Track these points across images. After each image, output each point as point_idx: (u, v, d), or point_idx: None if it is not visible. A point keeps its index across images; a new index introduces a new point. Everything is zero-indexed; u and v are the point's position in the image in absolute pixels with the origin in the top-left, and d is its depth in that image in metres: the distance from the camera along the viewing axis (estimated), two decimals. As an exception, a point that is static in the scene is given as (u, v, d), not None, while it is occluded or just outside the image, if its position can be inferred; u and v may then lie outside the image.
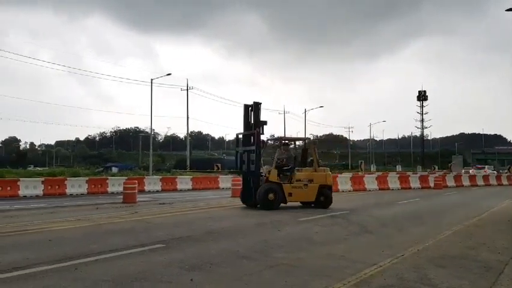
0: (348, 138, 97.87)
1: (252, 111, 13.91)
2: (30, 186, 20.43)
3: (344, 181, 22.98)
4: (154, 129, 45.65)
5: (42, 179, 22.30)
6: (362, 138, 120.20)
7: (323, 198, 13.49)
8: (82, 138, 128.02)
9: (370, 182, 24.05)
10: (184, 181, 26.09)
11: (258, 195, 12.59)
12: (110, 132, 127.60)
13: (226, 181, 27.23)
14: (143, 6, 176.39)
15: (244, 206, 13.50)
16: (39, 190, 20.58)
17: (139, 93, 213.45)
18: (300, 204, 13.69)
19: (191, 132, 47.36)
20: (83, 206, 14.58)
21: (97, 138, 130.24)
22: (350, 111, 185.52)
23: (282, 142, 14.50)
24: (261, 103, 13.82)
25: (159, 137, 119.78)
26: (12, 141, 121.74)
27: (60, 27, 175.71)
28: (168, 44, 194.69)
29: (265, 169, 13.46)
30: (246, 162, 13.45)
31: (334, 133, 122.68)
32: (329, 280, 5.01)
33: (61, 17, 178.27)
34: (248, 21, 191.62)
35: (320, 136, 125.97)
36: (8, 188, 19.86)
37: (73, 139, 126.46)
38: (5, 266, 5.44)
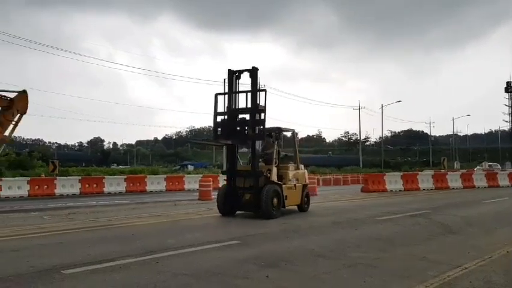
0: (429, 133, 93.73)
1: (238, 78, 10.69)
2: (114, 184, 21.74)
3: (425, 179, 21.99)
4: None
5: (125, 176, 23.64)
6: (444, 134, 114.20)
7: (306, 200, 11.86)
8: (159, 138, 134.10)
9: (453, 179, 22.71)
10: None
11: (264, 200, 9.80)
12: (186, 131, 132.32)
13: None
14: (211, 4, 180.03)
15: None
16: (122, 187, 21.84)
17: (211, 92, 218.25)
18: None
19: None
20: (162, 202, 15.22)
21: (174, 137, 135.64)
22: (431, 105, 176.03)
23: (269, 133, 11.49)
24: (258, 69, 10.48)
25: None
26: (97, 141, 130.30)
27: (133, 29, 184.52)
28: (238, 41, 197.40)
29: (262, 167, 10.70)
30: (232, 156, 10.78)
31: (413, 129, 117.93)
32: (409, 281, 4.78)
33: (134, 18, 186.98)
34: (318, 14, 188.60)
35: (399, 132, 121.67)
36: (94, 185, 21.30)
37: (152, 139, 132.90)
38: (95, 257, 5.79)
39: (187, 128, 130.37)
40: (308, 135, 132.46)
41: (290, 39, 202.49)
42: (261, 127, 10.28)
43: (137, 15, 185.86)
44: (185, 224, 9.49)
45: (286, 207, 10.70)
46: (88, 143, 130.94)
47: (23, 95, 14.12)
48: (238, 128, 10.44)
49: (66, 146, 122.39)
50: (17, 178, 21.31)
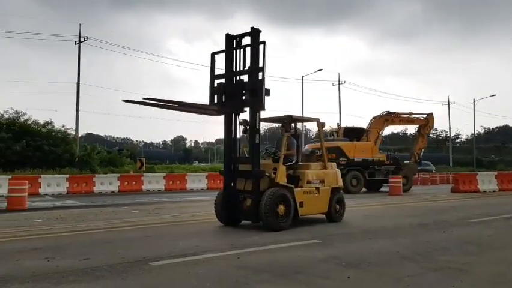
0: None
1: (240, 49, 8.59)
2: (196, 180, 22.56)
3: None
4: (305, 126, 46.59)
5: (206, 174, 24.39)
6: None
7: (339, 207, 9.48)
8: (238, 136, 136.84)
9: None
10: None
11: (264, 207, 7.81)
12: (263, 129, 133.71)
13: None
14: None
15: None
16: (203, 184, 22.59)
17: (287, 89, 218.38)
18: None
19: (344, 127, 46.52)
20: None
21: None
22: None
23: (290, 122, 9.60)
24: (260, 31, 8.33)
25: (311, 133, 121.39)
26: (180, 140, 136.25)
27: (210, 27, 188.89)
28: (314, 35, 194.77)
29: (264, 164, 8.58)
30: (230, 148, 8.76)
31: (510, 125, 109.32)
32: (503, 288, 4.43)
33: (211, 16, 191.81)
34: (401, 3, 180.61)
35: (493, 128, 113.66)
36: (178, 182, 22.26)
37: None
38: (179, 251, 6.03)
39: (265, 126, 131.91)
40: (392, 133, 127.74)
41: (370, 31, 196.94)
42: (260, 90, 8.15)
43: (214, 13, 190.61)
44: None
45: (303, 216, 8.79)
46: (172, 141, 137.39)
47: (432, 114, 22.42)
48: (235, 94, 8.52)
49: (151, 144, 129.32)
50: (108, 175, 22.84)
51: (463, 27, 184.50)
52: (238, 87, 8.45)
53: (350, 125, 22.57)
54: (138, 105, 8.16)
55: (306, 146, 22.17)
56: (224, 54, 8.70)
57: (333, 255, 5.87)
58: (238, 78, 8.56)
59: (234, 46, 8.64)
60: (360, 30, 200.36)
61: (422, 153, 22.93)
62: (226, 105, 8.55)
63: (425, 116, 22.56)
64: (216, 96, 8.64)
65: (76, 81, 32.50)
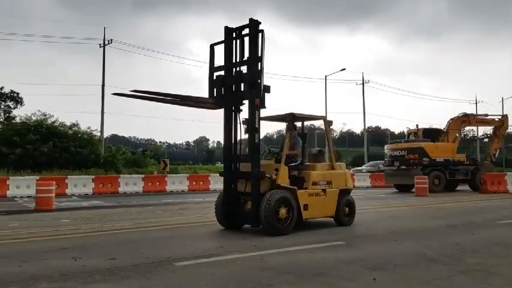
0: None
1: (239, 39, 8.20)
2: (219, 181, 22.39)
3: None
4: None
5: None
6: None
7: (348, 210, 8.85)
8: (261, 137, 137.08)
9: None
10: (361, 178, 25.65)
11: (264, 211, 7.36)
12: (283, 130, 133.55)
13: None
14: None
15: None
16: (226, 184, 22.59)
17: (312, 89, 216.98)
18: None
19: (368, 127, 46.14)
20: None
21: (274, 136, 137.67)
22: None
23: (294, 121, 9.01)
24: (260, 22, 7.88)
25: (334, 133, 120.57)
26: (203, 141, 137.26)
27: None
28: (339, 36, 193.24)
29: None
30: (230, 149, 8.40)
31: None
32: (535, 293, 4.30)
33: (231, 17, 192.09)
34: (425, 1, 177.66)
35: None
36: (201, 183, 22.37)
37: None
38: (203, 251, 6.06)
39: (280, 126, 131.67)
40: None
41: (393, 29, 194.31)
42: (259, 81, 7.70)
43: (234, 13, 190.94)
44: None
45: (308, 220, 8.27)
46: (194, 142, 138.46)
47: (506, 116, 23.64)
48: (233, 86, 8.11)
49: (175, 145, 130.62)
50: (133, 175, 23.12)
51: (488, 24, 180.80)
52: (237, 79, 8.05)
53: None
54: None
55: (386, 146, 23.05)
56: (223, 47, 8.31)
57: (358, 257, 5.81)
58: (237, 69, 8.17)
59: (234, 37, 8.28)
60: (383, 28, 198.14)
61: (497, 154, 24.03)
62: (224, 98, 8.13)
63: (500, 117, 23.59)
64: (215, 90, 8.22)
65: (101, 83, 33.01)
